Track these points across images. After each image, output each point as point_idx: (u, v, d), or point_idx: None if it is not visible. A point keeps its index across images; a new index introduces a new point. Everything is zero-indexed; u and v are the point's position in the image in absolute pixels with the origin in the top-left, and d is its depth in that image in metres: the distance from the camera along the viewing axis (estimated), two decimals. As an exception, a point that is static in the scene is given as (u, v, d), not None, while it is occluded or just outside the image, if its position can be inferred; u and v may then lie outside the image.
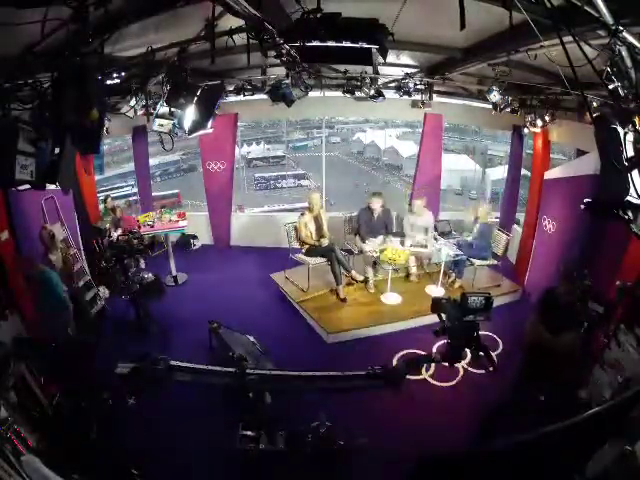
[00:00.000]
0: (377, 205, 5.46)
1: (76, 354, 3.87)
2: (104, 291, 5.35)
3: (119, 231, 5.61)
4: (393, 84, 5.17)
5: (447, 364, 2.42)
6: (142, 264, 4.98)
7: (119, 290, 4.58)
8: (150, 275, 5.13)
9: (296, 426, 3.04)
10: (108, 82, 3.26)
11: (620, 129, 1.93)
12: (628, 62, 2.00)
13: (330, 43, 2.00)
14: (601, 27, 1.77)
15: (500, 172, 20.16)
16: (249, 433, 3.00)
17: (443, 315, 2.37)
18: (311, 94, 5.05)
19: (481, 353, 2.32)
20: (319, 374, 2.79)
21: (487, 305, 2.36)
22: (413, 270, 5.56)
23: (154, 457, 3.09)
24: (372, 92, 5.06)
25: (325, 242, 5.25)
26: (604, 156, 2.10)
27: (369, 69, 4.76)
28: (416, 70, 4.86)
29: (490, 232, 5.39)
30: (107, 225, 5.69)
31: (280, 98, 4.53)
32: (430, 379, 4.10)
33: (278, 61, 3.52)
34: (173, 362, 2.67)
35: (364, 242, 5.41)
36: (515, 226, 6.53)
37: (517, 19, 2.03)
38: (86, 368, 3.66)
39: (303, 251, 5.36)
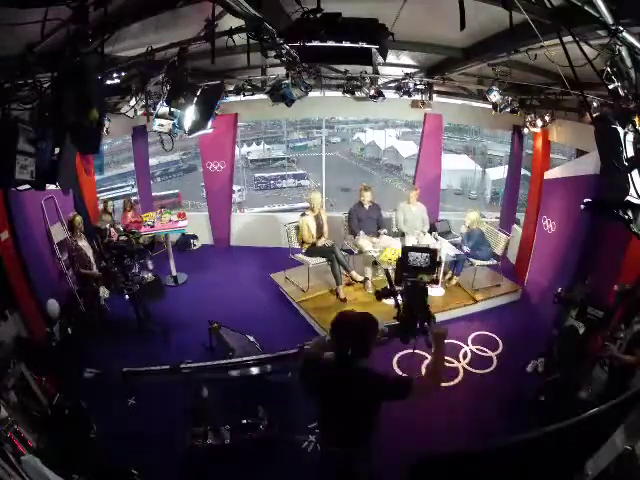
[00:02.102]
0: (367, 198, 5.50)
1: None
2: (104, 291, 5.34)
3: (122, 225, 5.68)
4: (393, 84, 5.17)
5: (399, 339, 2.26)
6: (150, 265, 4.98)
7: (120, 290, 4.59)
8: (150, 275, 5.13)
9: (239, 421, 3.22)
10: (108, 82, 3.26)
11: (620, 129, 1.93)
12: (628, 62, 2.00)
13: (330, 43, 2.00)
14: (601, 27, 1.77)
15: (500, 172, 20.17)
16: (197, 429, 3.13)
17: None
18: (311, 94, 5.05)
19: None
20: (245, 359, 3.08)
21: (432, 263, 2.20)
22: None
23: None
24: (372, 92, 5.06)
25: (328, 242, 5.27)
26: (604, 156, 2.09)
27: (369, 69, 4.76)
28: (416, 70, 4.86)
29: (482, 236, 5.36)
30: (107, 225, 5.72)
31: (280, 98, 4.53)
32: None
33: (278, 61, 3.52)
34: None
35: (355, 236, 5.43)
36: (515, 226, 6.53)
37: (517, 19, 2.03)
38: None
39: (303, 251, 5.35)
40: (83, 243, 4.98)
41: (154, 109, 3.64)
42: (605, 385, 3.08)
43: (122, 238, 4.64)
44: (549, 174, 5.22)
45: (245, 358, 3.17)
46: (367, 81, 5.02)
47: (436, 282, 2.24)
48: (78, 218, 4.98)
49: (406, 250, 2.25)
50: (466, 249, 5.40)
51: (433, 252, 2.26)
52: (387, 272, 2.29)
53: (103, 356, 3.96)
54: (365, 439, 2.07)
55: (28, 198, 4.23)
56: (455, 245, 5.48)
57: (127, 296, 4.56)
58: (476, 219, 5.42)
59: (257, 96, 5.31)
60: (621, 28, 1.72)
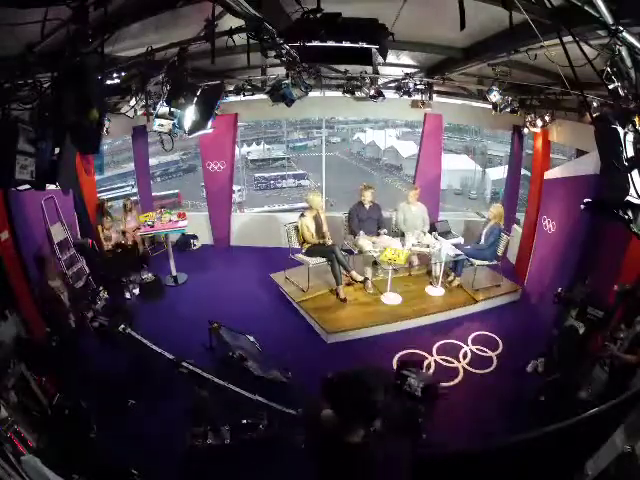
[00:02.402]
0: (368, 197, 5.51)
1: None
2: (103, 292, 5.35)
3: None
4: (393, 84, 5.17)
5: None
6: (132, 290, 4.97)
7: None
8: (150, 275, 5.14)
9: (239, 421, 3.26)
10: (108, 82, 3.26)
11: (620, 129, 1.93)
12: (628, 62, 2.00)
13: (330, 43, 2.00)
14: (601, 27, 1.77)
15: (500, 172, 20.16)
16: (196, 429, 3.16)
17: None
18: (311, 94, 5.05)
19: None
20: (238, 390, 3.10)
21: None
22: (415, 262, 5.58)
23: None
24: (372, 92, 5.06)
25: (329, 242, 5.27)
26: (604, 156, 2.09)
27: (369, 69, 4.76)
28: (416, 70, 4.86)
29: (498, 235, 5.33)
30: (108, 228, 5.75)
31: (280, 98, 4.53)
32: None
33: (278, 61, 3.52)
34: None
35: (355, 236, 5.44)
36: (515, 226, 6.53)
37: (517, 19, 2.03)
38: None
39: (303, 251, 5.35)
40: (55, 284, 4.49)
41: (154, 109, 3.64)
42: (605, 385, 3.08)
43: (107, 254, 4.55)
44: (549, 174, 5.22)
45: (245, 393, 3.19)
46: (367, 81, 5.02)
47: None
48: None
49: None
50: (471, 246, 5.40)
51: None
52: None
53: (102, 354, 3.97)
54: None
55: (28, 198, 4.23)
56: (457, 245, 5.49)
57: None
58: (500, 213, 5.39)
59: (257, 96, 5.32)
60: (621, 28, 1.72)
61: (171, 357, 3.07)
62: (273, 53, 3.06)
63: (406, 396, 2.18)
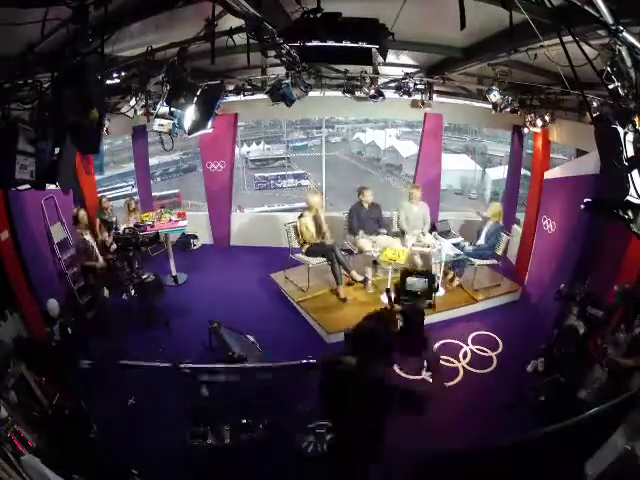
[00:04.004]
0: (368, 197, 5.51)
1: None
2: (105, 291, 5.35)
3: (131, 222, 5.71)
4: (393, 84, 5.16)
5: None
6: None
7: (121, 289, 4.63)
8: (150, 275, 5.13)
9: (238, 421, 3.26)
10: (108, 82, 3.26)
11: (620, 129, 1.92)
12: (628, 62, 2.00)
13: (330, 43, 2.00)
14: (601, 27, 1.77)
15: (500, 172, 20.14)
16: (196, 429, 3.14)
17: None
18: (311, 94, 5.05)
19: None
20: (250, 366, 3.23)
21: (429, 288, 2.28)
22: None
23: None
24: (372, 92, 5.06)
25: (329, 241, 5.27)
26: (604, 156, 2.09)
27: (369, 69, 4.76)
28: (416, 70, 4.86)
29: (499, 233, 5.34)
30: (114, 218, 5.74)
31: (280, 98, 4.53)
32: (430, 379, 4.09)
33: (278, 61, 3.53)
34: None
35: (355, 235, 5.44)
36: (515, 226, 6.53)
37: (517, 19, 2.03)
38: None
39: (303, 251, 5.35)
40: (87, 237, 4.99)
41: (154, 109, 3.65)
42: (605, 385, 3.08)
43: (127, 231, 4.67)
44: (549, 174, 5.22)
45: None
46: (367, 81, 5.02)
47: (433, 307, 2.39)
48: (82, 212, 4.99)
49: (404, 275, 2.37)
50: (468, 246, 5.40)
51: (431, 277, 2.36)
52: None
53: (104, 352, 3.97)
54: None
55: (28, 198, 4.23)
56: (457, 245, 5.49)
57: (132, 290, 4.65)
58: (498, 212, 5.41)
59: (257, 96, 5.32)
60: (621, 28, 1.72)
61: (168, 364, 3.06)
62: (273, 53, 3.06)
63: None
